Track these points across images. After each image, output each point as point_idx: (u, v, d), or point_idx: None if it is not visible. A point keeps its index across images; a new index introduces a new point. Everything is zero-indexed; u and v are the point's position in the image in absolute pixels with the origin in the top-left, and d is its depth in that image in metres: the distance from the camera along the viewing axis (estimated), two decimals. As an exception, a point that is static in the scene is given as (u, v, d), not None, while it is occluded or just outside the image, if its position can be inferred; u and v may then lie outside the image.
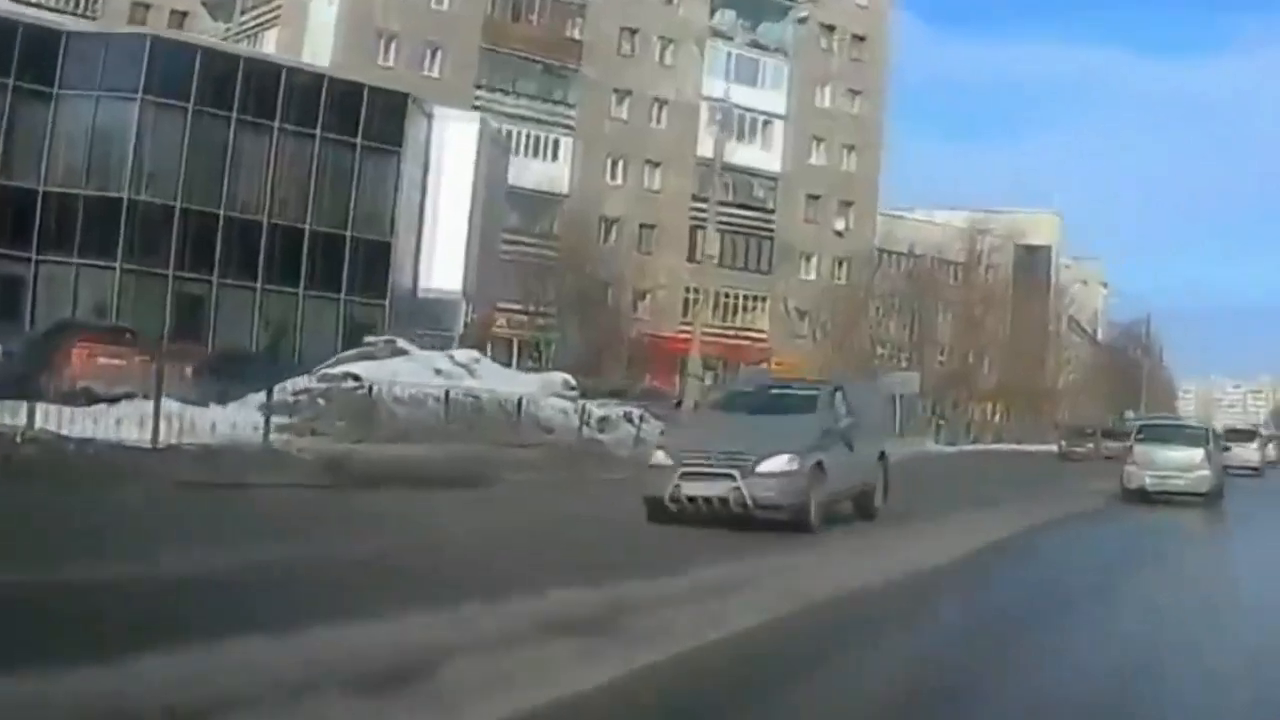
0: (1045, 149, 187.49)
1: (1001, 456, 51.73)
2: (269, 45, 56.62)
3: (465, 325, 47.30)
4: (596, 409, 29.05)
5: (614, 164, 65.19)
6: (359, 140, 44.21)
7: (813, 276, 66.42)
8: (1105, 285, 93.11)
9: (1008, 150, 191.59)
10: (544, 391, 28.67)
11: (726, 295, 65.85)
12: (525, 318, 61.82)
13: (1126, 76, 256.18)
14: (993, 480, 31.59)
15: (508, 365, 63.07)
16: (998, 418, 69.84)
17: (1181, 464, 26.96)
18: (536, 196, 62.44)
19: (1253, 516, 25.23)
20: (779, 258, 65.49)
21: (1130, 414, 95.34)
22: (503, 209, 53.68)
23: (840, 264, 65.21)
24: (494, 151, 49.91)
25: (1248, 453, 44.11)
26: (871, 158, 70.87)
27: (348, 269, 43.86)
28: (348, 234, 44.07)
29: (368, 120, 44.36)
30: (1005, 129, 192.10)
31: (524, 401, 27.79)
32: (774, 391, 19.17)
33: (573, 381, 30.97)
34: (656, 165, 65.00)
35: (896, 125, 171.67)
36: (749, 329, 66.36)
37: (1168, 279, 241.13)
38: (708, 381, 66.78)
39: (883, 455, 18.67)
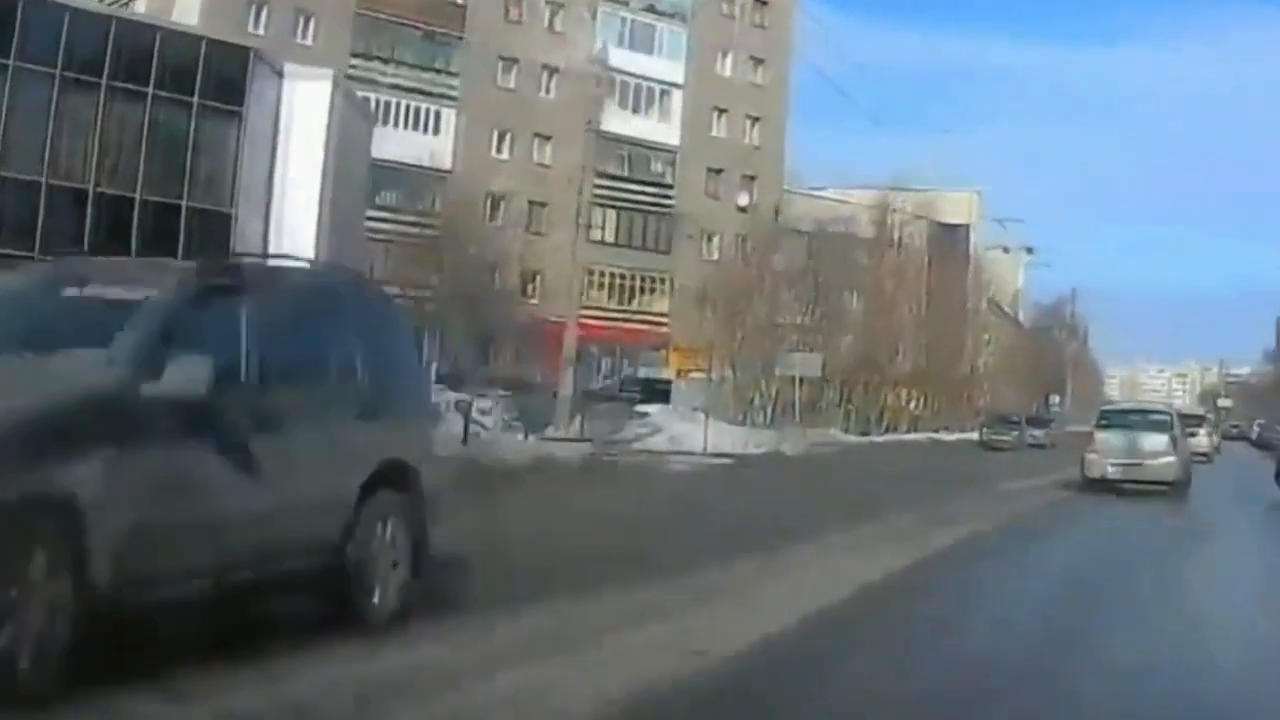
0: (968, 137, 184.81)
1: (915, 447, 48.08)
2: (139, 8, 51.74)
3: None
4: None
5: (500, 137, 61.04)
6: (196, 99, 39.50)
7: (715, 255, 62.12)
8: (1030, 251, 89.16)
9: (930, 138, 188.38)
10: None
11: (623, 276, 61.70)
12: (407, 303, 57.28)
13: (1047, 68, 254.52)
14: (894, 478, 27.52)
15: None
16: (914, 404, 65.97)
17: (1146, 451, 26.13)
18: (417, 172, 58.21)
19: (1235, 523, 21.76)
20: (679, 235, 61.15)
21: (1055, 399, 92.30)
22: (366, 181, 49.14)
23: (744, 241, 61.02)
24: (354, 116, 45.36)
25: (1197, 439, 43.36)
26: (776, 129, 66.95)
27: (183, 242, 39.04)
28: (184, 204, 39.36)
29: (206, 77, 39.73)
30: (927, 116, 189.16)
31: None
32: None
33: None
34: (547, 139, 60.69)
35: (814, 109, 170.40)
36: (648, 312, 62.09)
37: (1089, 267, 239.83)
38: (602, 370, 63.14)
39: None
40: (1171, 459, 26.16)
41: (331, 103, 41.74)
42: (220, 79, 40.05)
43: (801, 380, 45.59)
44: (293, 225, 41.43)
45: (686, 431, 33.83)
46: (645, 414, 40.51)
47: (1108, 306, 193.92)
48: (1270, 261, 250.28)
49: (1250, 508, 23.92)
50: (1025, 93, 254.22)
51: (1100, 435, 27.16)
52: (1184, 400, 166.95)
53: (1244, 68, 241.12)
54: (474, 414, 24.00)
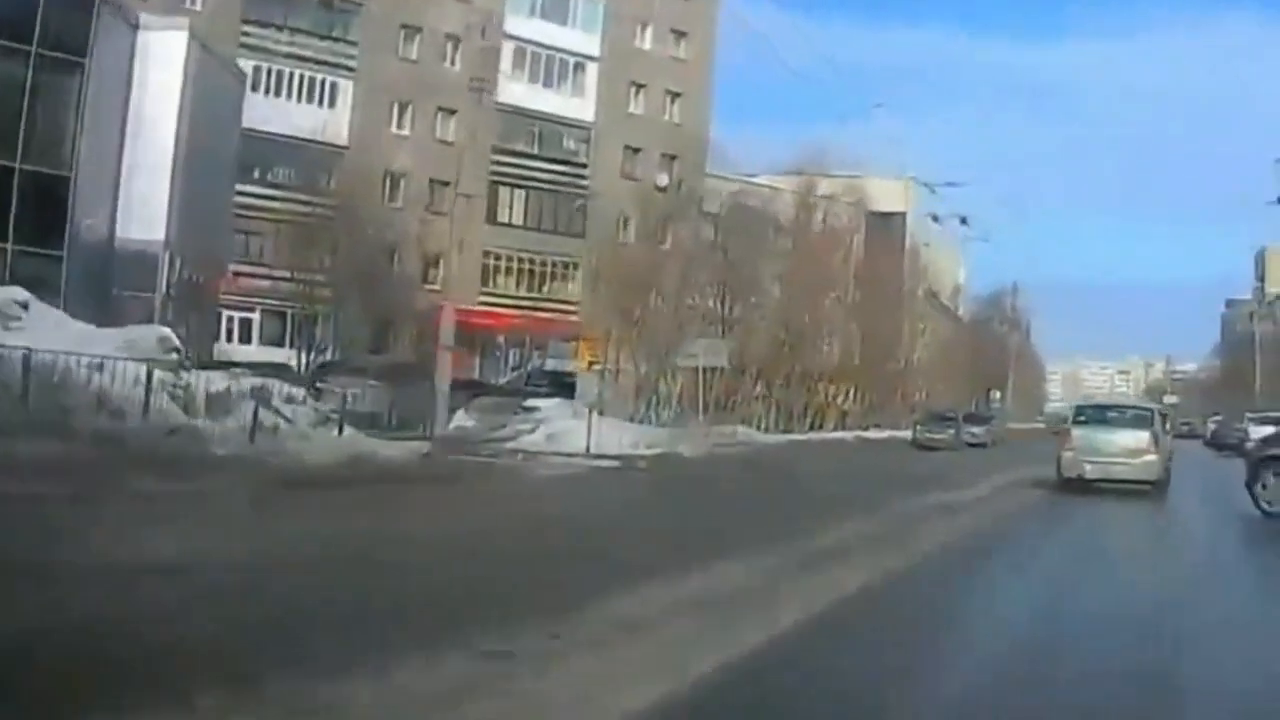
0: (907, 129, 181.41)
1: (838, 447, 44.38)
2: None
3: (170, 284, 38.34)
4: (209, 385, 20.04)
5: (401, 110, 56.91)
6: (34, 48, 35.17)
7: (632, 239, 58.08)
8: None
9: (867, 131, 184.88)
10: (131, 352, 19.52)
11: (532, 261, 57.71)
12: (297, 287, 53.22)
13: (989, 60, 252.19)
14: (789, 489, 23.34)
15: (279, 343, 55.35)
16: (844, 400, 62.22)
17: (1126, 448, 25.05)
18: (311, 147, 54.21)
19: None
20: (593, 218, 57.12)
21: (996, 395, 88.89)
22: (236, 149, 44.95)
23: (664, 225, 56.99)
24: (219, 74, 41.31)
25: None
26: (699, 106, 63.14)
27: (16, 210, 34.84)
28: (17, 166, 35.00)
29: (46, 23, 35.36)
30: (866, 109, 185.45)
31: (78, 368, 18.54)
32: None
33: (175, 341, 21.93)
34: (451, 113, 56.46)
35: (758, 97, 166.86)
36: (558, 299, 58.07)
37: (1030, 262, 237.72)
38: (511, 360, 59.06)
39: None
40: (1153, 457, 24.93)
41: (187, 54, 37.50)
42: (62, 26, 35.75)
43: (716, 372, 41.73)
44: (144, 194, 37.36)
45: (573, 429, 29.82)
46: (535, 409, 36.57)
47: (1050, 301, 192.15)
48: (1215, 257, 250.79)
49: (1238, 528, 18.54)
50: (968, 87, 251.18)
51: (1077, 432, 26.04)
52: (1130, 398, 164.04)
53: (1189, 63, 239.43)
54: (278, 404, 19.68)
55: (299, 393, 20.78)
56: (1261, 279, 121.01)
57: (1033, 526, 17.92)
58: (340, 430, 20.18)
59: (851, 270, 61.75)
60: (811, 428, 53.01)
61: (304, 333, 54.39)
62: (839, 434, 52.66)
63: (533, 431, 30.79)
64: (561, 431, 30.23)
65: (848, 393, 62.43)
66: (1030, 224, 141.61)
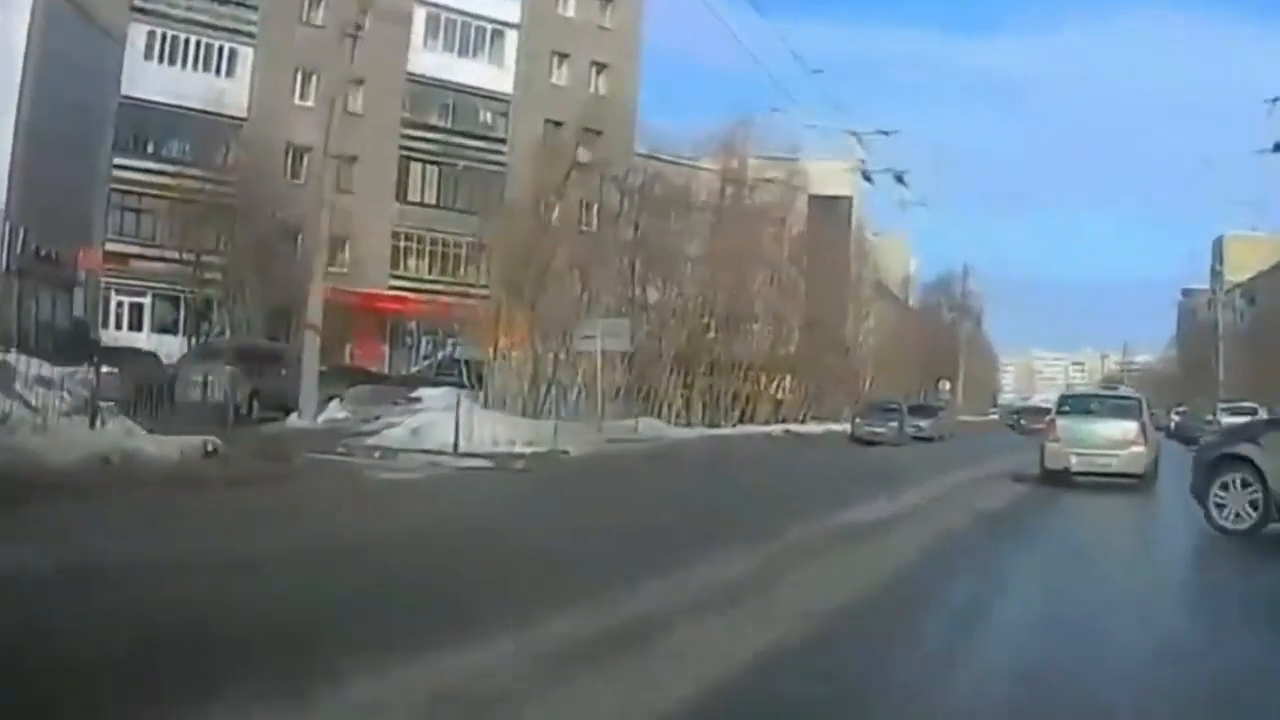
0: (856, 122, 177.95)
1: (762, 443, 40.62)
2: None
3: (8, 259, 34.53)
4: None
5: (304, 80, 52.87)
6: None
7: (556, 220, 54.25)
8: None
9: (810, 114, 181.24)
10: None
11: (445, 243, 53.96)
12: (191, 269, 49.60)
13: (934, 57, 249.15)
14: (679, 501, 18.99)
15: (173, 330, 51.53)
16: (777, 389, 58.56)
17: (1114, 440, 24.46)
18: (206, 119, 50.42)
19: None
20: (512, 197, 53.18)
21: (946, 384, 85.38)
22: (108, 117, 41.05)
23: (588, 207, 53.18)
24: (86, 34, 37.38)
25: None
26: (627, 78, 59.47)
27: None
28: None
29: None
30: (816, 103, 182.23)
31: None
32: None
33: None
34: (359, 83, 52.58)
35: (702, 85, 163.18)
36: (474, 283, 54.17)
37: (983, 256, 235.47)
38: (424, 348, 55.27)
39: None
40: (1140, 449, 24.44)
41: (34, 3, 33.61)
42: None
43: (623, 358, 38.06)
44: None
45: (446, 423, 26.13)
46: (417, 399, 33.07)
47: (1004, 294, 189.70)
48: (1170, 248, 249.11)
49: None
50: (913, 81, 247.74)
51: (1062, 423, 25.48)
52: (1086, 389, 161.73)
53: (1133, 57, 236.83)
54: (21, 388, 15.93)
55: (57, 374, 16.97)
56: (1219, 267, 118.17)
57: (976, 562, 12.59)
58: (97, 422, 16.38)
59: (785, 251, 58.02)
60: (741, 420, 49.34)
61: (197, 319, 50.80)
62: (769, 427, 49.04)
63: (396, 426, 27.17)
64: (429, 425, 26.60)
65: (781, 382, 58.66)
66: (983, 217, 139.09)
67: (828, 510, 16.58)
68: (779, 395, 58.21)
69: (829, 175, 74.94)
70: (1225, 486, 15.01)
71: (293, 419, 31.74)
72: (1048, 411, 35.62)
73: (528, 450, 26.09)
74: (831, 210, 75.94)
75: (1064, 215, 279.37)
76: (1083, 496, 22.12)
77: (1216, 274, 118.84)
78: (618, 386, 38.27)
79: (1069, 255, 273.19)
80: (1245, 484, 14.88)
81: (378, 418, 30.33)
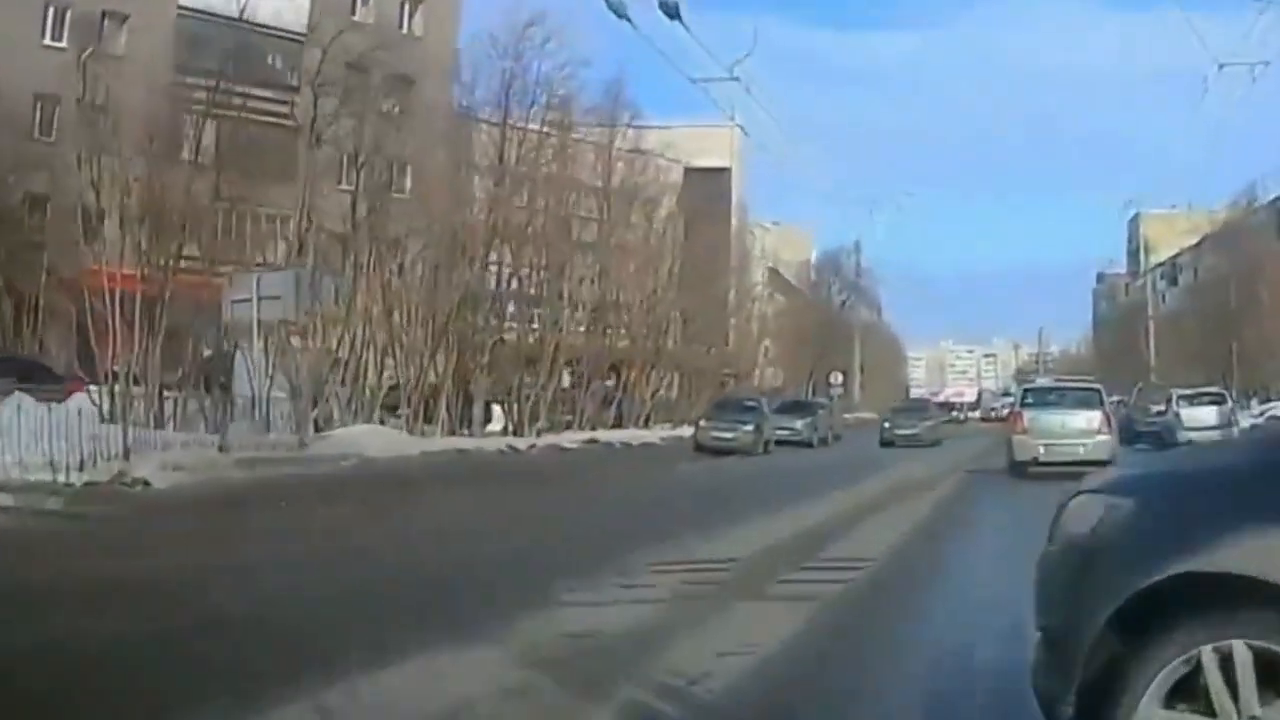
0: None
1: (550, 463, 31.36)
2: None
3: None
4: None
5: (56, 16, 43.44)
6: None
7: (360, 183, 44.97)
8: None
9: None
10: None
11: (228, 214, 44.41)
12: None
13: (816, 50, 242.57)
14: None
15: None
16: (644, 387, 50.03)
17: (1079, 429, 26.09)
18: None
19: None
20: (307, 157, 43.78)
21: (839, 376, 76.57)
22: None
23: (397, 168, 44.02)
24: None
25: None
26: (448, 17, 49.89)
27: None
28: None
29: None
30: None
31: None
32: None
33: None
34: (122, 20, 43.45)
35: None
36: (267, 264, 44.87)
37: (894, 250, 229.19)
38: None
39: None
40: (1105, 437, 26.05)
41: None
42: None
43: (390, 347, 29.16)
44: None
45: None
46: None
47: (910, 285, 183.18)
48: (1077, 234, 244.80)
49: None
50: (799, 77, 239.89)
51: (1029, 414, 26.99)
52: (995, 383, 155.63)
53: (1029, 38, 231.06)
54: None
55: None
56: (1137, 249, 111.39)
57: None
58: None
59: (600, 206, 49.19)
60: (559, 428, 40.39)
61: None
62: (597, 434, 40.06)
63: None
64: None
65: (645, 379, 50.06)
66: (888, 209, 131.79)
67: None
68: (641, 394, 49.65)
69: (706, 142, 66.68)
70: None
71: None
72: (924, 408, 39.70)
73: (77, 481, 17.34)
74: (711, 182, 67.49)
75: (968, 204, 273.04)
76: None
77: (1134, 255, 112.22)
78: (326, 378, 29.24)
79: (978, 246, 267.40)
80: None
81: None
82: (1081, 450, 24.80)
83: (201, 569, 11.63)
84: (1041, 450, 25.53)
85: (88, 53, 42.06)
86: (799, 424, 44.77)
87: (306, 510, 17.67)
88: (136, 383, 26.16)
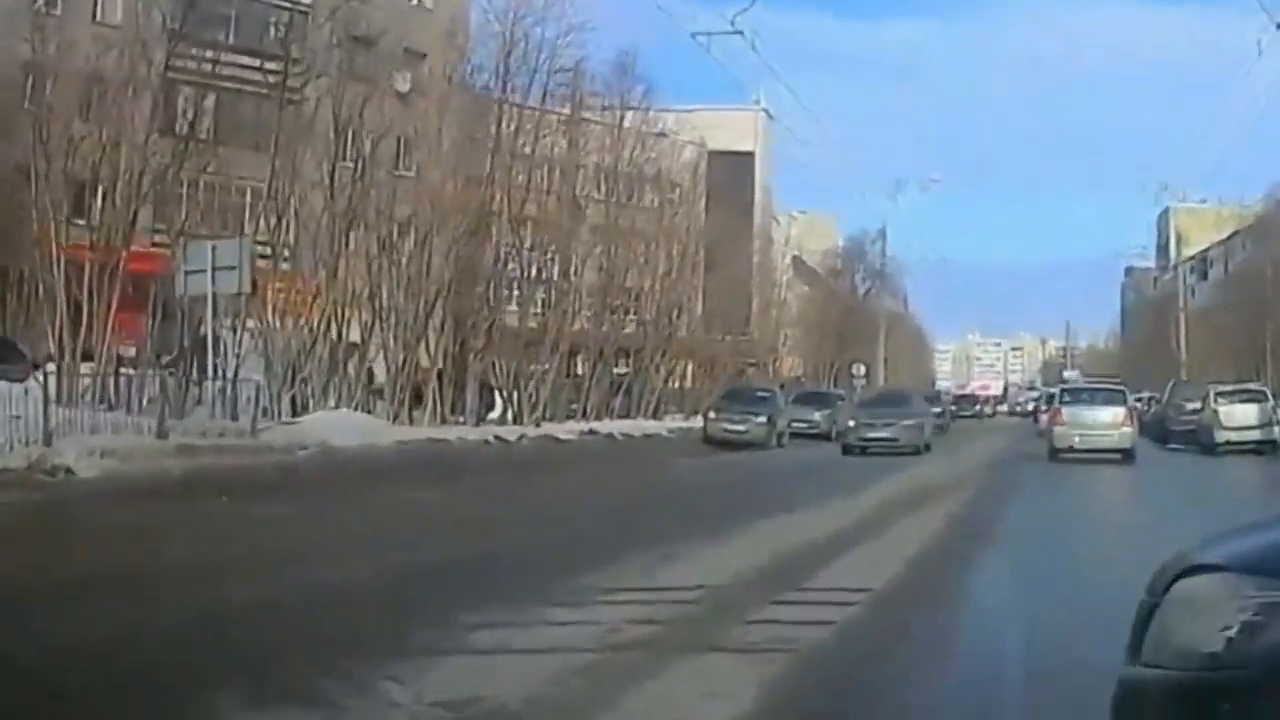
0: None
1: (560, 455, 29.16)
2: None
3: None
4: None
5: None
6: None
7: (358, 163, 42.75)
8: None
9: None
10: None
11: (224, 189, 42.59)
12: None
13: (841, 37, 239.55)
14: None
15: None
16: (668, 378, 48.22)
17: (1106, 422, 30.10)
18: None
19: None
20: (306, 134, 41.58)
21: (862, 368, 73.91)
22: None
23: (403, 144, 41.88)
24: None
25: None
26: (460, -11, 47.67)
27: None
28: None
29: None
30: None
31: None
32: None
33: None
34: (120, -15, 41.66)
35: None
36: (260, 240, 42.74)
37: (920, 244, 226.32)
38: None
39: None
40: (1129, 429, 30.27)
41: None
42: None
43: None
44: None
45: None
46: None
47: (938, 278, 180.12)
48: (1106, 227, 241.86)
49: None
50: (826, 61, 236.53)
51: (1067, 410, 31.13)
52: (1022, 376, 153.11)
53: (1063, 31, 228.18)
54: None
55: None
56: (1166, 242, 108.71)
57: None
58: None
59: (608, 185, 47.10)
60: (571, 415, 38.29)
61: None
62: (599, 425, 38.00)
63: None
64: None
65: (668, 370, 48.18)
66: (915, 201, 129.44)
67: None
68: (661, 385, 47.74)
69: (731, 127, 64.56)
70: None
71: None
72: (904, 400, 39.31)
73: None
74: (735, 167, 65.30)
75: (996, 196, 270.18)
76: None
77: (1163, 248, 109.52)
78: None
79: (1005, 239, 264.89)
80: None
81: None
82: (1108, 440, 29.55)
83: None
84: (1076, 439, 29.63)
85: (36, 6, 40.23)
86: (817, 416, 42.20)
87: (215, 507, 15.56)
88: (87, 359, 24.21)
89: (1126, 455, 29.12)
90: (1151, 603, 2.86)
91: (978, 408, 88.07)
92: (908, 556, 12.33)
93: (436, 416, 32.96)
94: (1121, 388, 34.58)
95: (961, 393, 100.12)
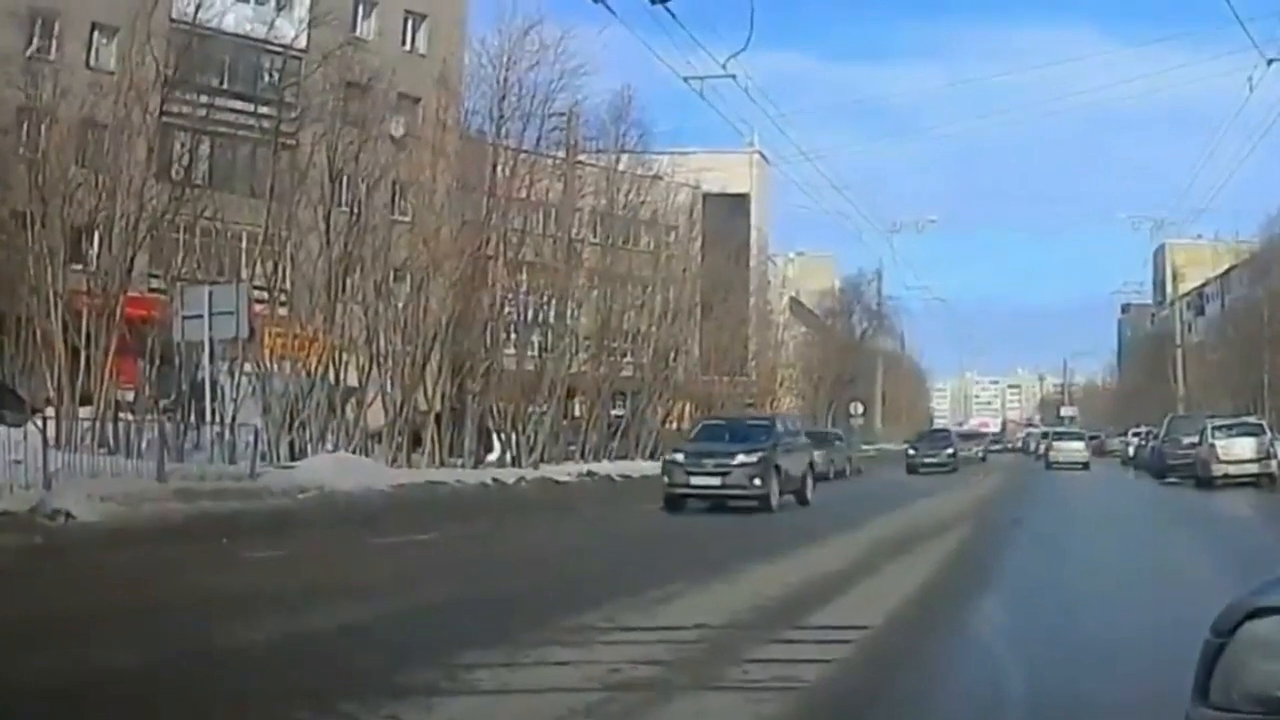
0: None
1: (500, 503, 28.36)
2: None
3: None
4: None
5: (45, 26, 41.89)
6: None
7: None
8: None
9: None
10: None
11: (219, 233, 42.62)
12: None
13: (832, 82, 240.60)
14: None
15: None
16: (662, 417, 48.25)
17: (1076, 449, 61.84)
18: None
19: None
20: (301, 179, 41.79)
21: (859, 407, 74.33)
22: None
23: (398, 189, 42.14)
24: None
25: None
26: (453, 35, 48.05)
27: None
28: None
29: None
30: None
31: None
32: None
33: None
34: (112, 32, 41.72)
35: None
36: (257, 285, 42.87)
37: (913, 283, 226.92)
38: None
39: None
40: (1086, 452, 62.39)
41: None
42: None
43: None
44: None
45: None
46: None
47: (935, 317, 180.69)
48: (1101, 265, 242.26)
49: None
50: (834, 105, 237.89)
51: (1056, 443, 63.65)
52: (1020, 414, 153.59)
53: (1052, 74, 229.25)
54: None
55: None
56: (1163, 279, 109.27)
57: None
58: None
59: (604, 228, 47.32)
60: (538, 462, 38.11)
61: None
62: (587, 466, 37.85)
63: None
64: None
65: (665, 411, 48.35)
66: (910, 241, 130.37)
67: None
68: (667, 425, 47.97)
69: (726, 169, 64.89)
70: None
71: None
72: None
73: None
74: (731, 210, 65.58)
75: (991, 236, 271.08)
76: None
77: (1159, 285, 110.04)
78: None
79: (1002, 277, 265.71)
80: None
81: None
82: (1077, 458, 60.11)
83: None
84: (1060, 457, 60.24)
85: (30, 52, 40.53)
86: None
87: (216, 550, 15.66)
88: (85, 403, 24.37)
89: (1085, 465, 58.86)
90: (1219, 643, 2.83)
91: (974, 449, 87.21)
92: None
93: (435, 459, 33.11)
94: (1081, 431, 72.58)
95: (960, 430, 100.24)
